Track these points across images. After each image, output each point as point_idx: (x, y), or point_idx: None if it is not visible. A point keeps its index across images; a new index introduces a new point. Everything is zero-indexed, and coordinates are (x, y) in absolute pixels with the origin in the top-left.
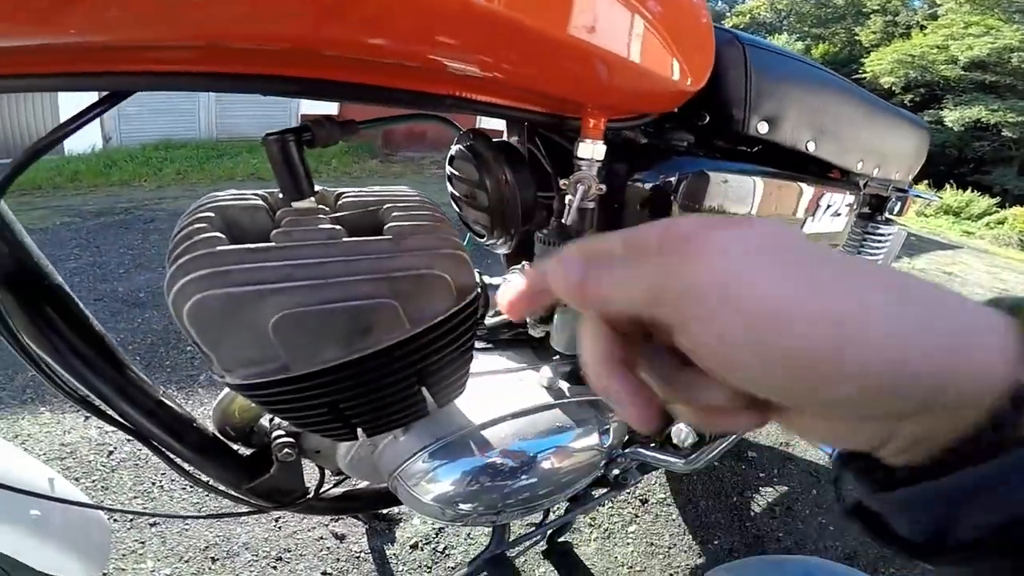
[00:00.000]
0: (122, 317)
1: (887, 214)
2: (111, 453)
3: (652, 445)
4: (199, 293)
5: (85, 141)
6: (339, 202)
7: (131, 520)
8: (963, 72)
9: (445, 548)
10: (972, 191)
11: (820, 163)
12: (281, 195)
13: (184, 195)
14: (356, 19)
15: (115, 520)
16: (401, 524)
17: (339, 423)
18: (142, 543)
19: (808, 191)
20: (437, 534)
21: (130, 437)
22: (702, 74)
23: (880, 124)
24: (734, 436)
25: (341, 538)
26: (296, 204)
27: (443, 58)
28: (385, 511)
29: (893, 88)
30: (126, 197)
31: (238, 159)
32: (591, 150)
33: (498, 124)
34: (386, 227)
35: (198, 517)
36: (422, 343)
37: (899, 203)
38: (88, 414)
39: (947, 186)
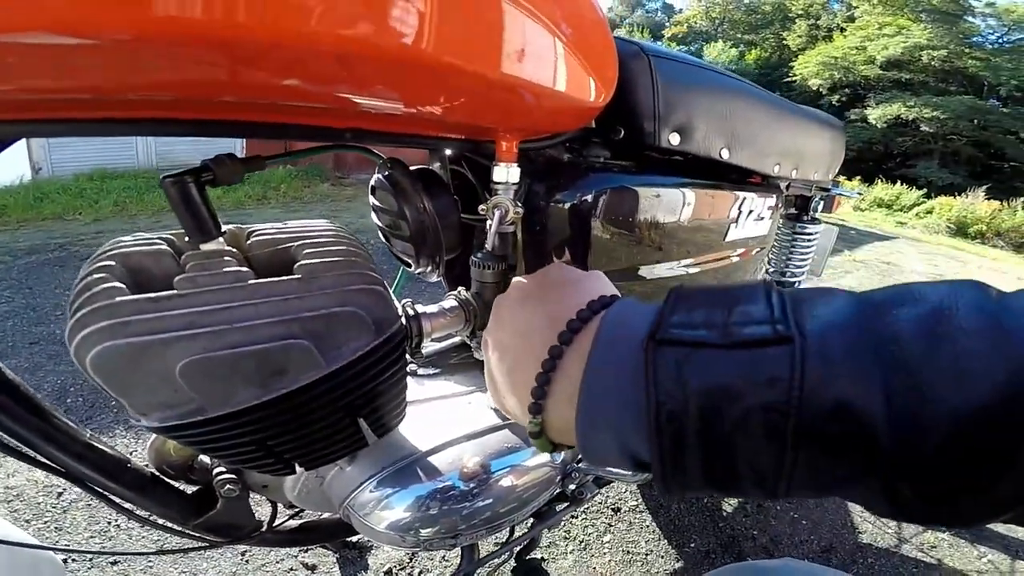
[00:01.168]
0: (61, 360)
1: (812, 213)
2: (60, 494)
3: None
4: (99, 344)
5: (12, 172)
6: (249, 240)
7: (91, 559)
8: (881, 71)
9: (420, 572)
10: (900, 184)
11: (739, 169)
12: (187, 238)
13: (124, 228)
14: (270, 67)
15: (74, 560)
16: (373, 551)
17: (272, 459)
18: None
19: (727, 197)
20: (411, 559)
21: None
22: (608, 87)
23: (792, 126)
24: None
25: (312, 568)
26: (204, 246)
27: (352, 96)
28: (355, 539)
29: (820, 89)
30: (60, 232)
31: None
32: (506, 173)
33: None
34: (296, 265)
35: (153, 553)
36: (343, 379)
37: (823, 202)
38: (14, 459)
39: (877, 181)
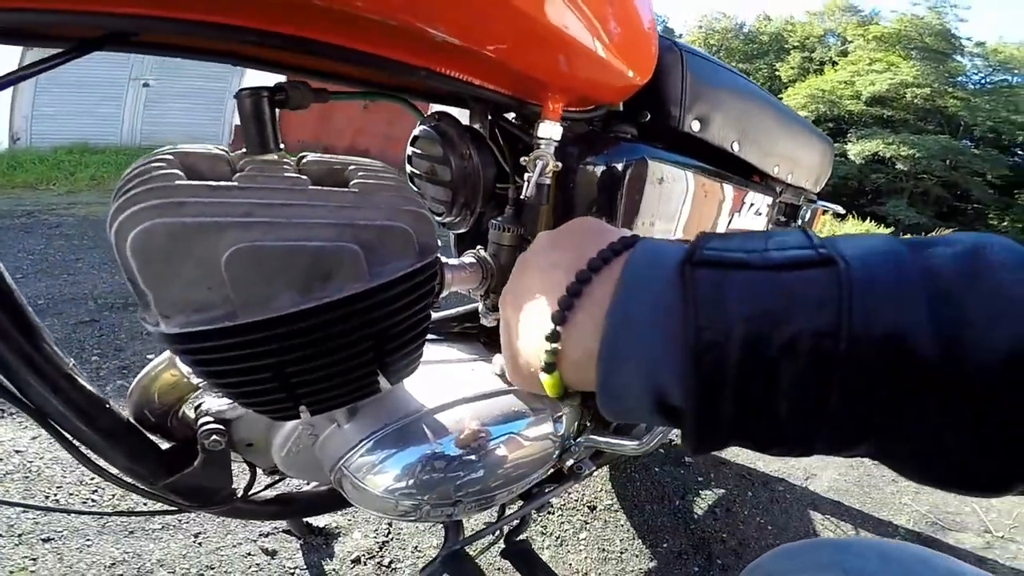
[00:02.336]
0: None
1: (800, 222)
2: None
3: (606, 431)
4: (148, 221)
5: None
6: (303, 162)
7: (19, 536)
8: (865, 107)
9: (391, 562)
10: (870, 221)
11: (743, 166)
12: (245, 150)
13: (98, 201)
14: None
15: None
16: (340, 538)
17: (283, 393)
18: (33, 560)
19: (734, 188)
20: (381, 548)
21: (37, 452)
22: (647, 70)
23: (793, 133)
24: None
25: (272, 554)
26: (260, 157)
27: (426, 24)
28: (322, 524)
29: None
30: (31, 200)
31: None
32: (550, 130)
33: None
34: (351, 183)
35: (103, 513)
36: (382, 299)
37: (809, 212)
38: None
39: (849, 217)
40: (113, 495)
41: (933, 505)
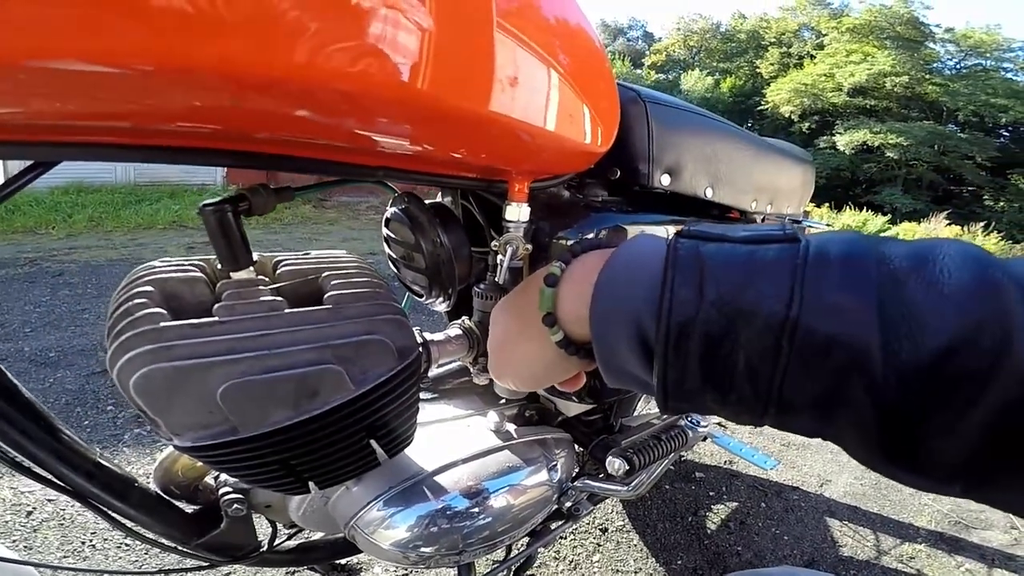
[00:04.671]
0: (31, 377)
1: None
2: (30, 513)
3: (599, 476)
4: (144, 367)
5: None
6: (277, 271)
7: None
8: (848, 98)
9: None
10: (867, 210)
11: (720, 206)
12: (219, 265)
13: (98, 244)
14: (278, 100)
15: None
16: (363, 573)
17: (291, 479)
18: None
19: None
20: None
21: (69, 499)
22: (609, 136)
23: (767, 163)
24: (664, 462)
25: None
26: (235, 275)
27: (372, 135)
28: (344, 561)
29: (792, 116)
30: (32, 246)
31: (159, 205)
32: (517, 212)
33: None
34: (326, 296)
35: (147, 574)
36: (368, 402)
37: None
38: (23, 475)
39: (846, 208)
40: (145, 547)
41: (955, 504)
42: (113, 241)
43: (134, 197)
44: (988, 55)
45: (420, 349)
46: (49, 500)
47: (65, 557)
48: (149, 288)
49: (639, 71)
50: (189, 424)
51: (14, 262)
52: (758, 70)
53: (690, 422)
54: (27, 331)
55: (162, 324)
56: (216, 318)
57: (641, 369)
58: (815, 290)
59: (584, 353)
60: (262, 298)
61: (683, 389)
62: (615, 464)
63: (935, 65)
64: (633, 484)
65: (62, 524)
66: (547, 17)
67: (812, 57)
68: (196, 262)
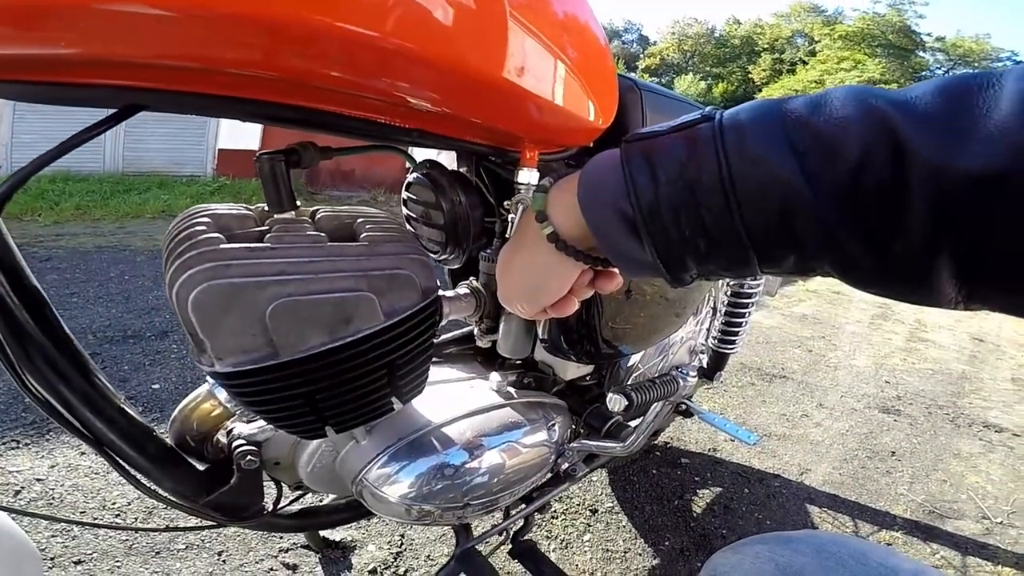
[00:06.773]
0: None
1: None
2: (18, 492)
3: (593, 435)
4: (204, 283)
5: None
6: (318, 216)
7: (51, 559)
8: None
9: (406, 572)
10: None
11: None
12: (266, 208)
13: (85, 232)
14: (314, 54)
15: None
16: (356, 551)
17: (312, 416)
18: None
19: None
20: (396, 558)
21: (58, 479)
22: (610, 113)
23: None
24: (657, 410)
25: (293, 568)
26: (280, 216)
27: (404, 94)
28: (338, 538)
29: None
30: (17, 233)
31: (148, 195)
32: (528, 176)
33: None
34: (361, 236)
35: (147, 530)
36: (394, 335)
37: None
38: (51, 417)
39: None
40: (136, 518)
41: (929, 494)
42: (101, 229)
43: (122, 186)
44: (977, 64)
45: (439, 293)
46: (38, 480)
47: (54, 536)
48: (206, 219)
49: (633, 74)
50: (233, 347)
51: None
52: (750, 75)
53: (680, 372)
54: None
55: (221, 245)
56: (268, 244)
57: (639, 251)
58: (736, 147)
59: (574, 252)
60: (308, 231)
61: (673, 255)
62: (615, 400)
63: (924, 73)
64: (628, 441)
65: (51, 503)
66: (556, 10)
67: (804, 63)
68: (246, 205)
